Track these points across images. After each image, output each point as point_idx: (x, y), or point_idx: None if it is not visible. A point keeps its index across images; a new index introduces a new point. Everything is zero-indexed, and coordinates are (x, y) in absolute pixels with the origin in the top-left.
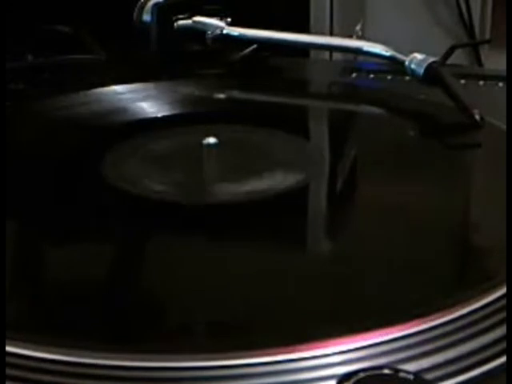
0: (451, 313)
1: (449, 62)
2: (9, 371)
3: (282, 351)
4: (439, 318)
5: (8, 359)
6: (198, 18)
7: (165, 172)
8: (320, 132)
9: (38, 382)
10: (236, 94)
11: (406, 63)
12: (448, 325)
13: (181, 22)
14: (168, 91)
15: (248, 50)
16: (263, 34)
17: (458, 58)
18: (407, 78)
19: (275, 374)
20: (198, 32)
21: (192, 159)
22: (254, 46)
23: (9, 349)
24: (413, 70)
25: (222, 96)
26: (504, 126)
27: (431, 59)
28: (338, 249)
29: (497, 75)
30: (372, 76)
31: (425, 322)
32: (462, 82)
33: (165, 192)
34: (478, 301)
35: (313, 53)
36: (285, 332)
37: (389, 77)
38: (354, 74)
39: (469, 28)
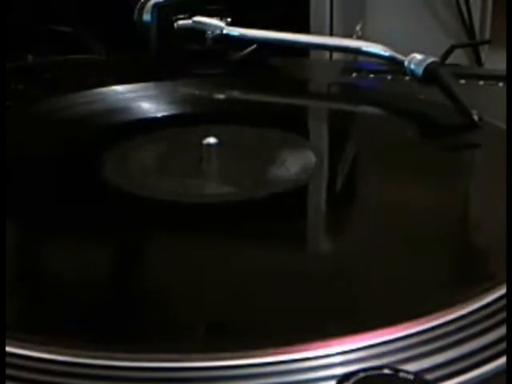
0: (451, 313)
1: (449, 61)
2: (9, 371)
3: (282, 351)
4: (439, 318)
5: (8, 359)
6: (198, 18)
7: (164, 172)
8: (320, 132)
9: (38, 382)
10: (236, 93)
11: (406, 63)
12: (448, 325)
13: (181, 22)
14: (168, 91)
15: (248, 50)
16: (263, 34)
17: (458, 58)
18: (407, 78)
19: (275, 375)
20: (198, 32)
21: (192, 159)
22: (254, 46)
23: (9, 349)
24: (412, 70)
25: (221, 96)
26: (504, 126)
27: (430, 59)
28: (338, 249)
29: (497, 75)
30: (372, 76)
31: (425, 322)
32: (462, 81)
33: (164, 192)
34: (478, 301)
35: (313, 53)
36: (285, 332)
37: (389, 77)
38: (354, 74)
39: (469, 28)
